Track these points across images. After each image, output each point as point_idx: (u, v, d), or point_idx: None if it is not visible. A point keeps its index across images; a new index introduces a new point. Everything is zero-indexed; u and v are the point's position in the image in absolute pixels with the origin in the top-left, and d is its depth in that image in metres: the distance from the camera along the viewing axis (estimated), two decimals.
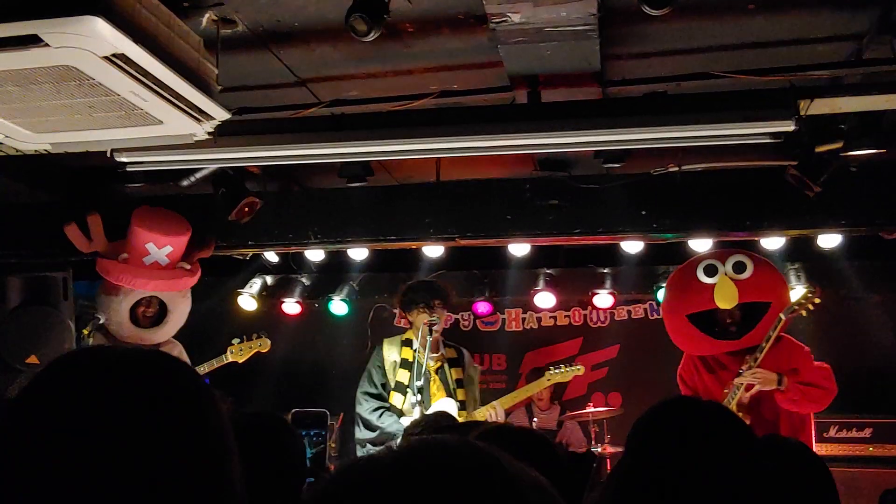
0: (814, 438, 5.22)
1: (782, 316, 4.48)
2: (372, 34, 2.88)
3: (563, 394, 6.96)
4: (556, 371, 5.59)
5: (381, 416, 4.96)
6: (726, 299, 4.57)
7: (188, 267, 4.97)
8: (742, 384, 4.48)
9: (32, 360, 5.14)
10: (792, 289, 5.45)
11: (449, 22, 3.23)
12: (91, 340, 4.63)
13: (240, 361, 5.54)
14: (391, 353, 5.13)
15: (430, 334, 4.80)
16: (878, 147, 3.71)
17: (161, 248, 4.80)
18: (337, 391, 6.52)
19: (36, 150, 3.27)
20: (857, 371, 6.09)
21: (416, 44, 3.42)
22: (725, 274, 4.62)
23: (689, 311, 4.74)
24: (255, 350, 5.57)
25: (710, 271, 4.67)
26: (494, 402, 5.23)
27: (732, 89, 3.49)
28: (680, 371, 4.94)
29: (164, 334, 5.16)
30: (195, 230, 4.98)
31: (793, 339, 4.71)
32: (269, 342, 5.64)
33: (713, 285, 4.61)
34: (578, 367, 5.65)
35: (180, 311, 5.16)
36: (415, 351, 4.99)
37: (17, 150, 3.28)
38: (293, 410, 3.42)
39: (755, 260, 4.71)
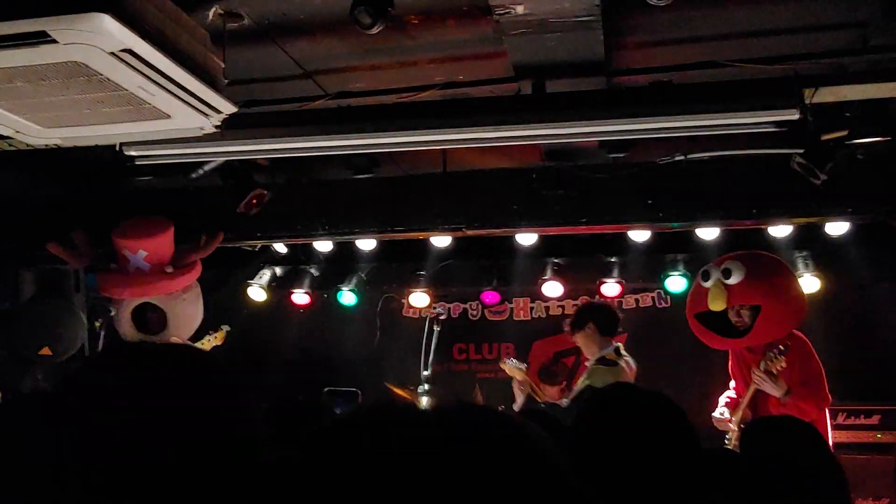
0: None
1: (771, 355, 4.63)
2: (377, 27, 2.91)
3: (573, 381, 6.96)
4: None
5: None
6: (715, 302, 4.84)
7: (170, 270, 4.75)
8: (755, 384, 4.73)
9: (45, 351, 5.21)
10: (800, 276, 5.56)
11: (453, 13, 3.24)
12: (103, 333, 4.65)
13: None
14: None
15: None
16: (884, 135, 3.71)
17: (135, 253, 4.64)
18: (346, 381, 6.57)
19: (46, 145, 3.31)
20: (864, 358, 6.09)
21: (421, 35, 3.43)
22: (718, 279, 4.85)
23: (695, 312, 5.06)
24: (214, 342, 5.58)
25: (705, 276, 4.97)
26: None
27: (737, 78, 3.49)
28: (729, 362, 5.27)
29: (165, 339, 4.89)
30: (199, 227, 4.91)
31: (813, 352, 4.79)
32: (223, 333, 5.67)
33: (707, 289, 4.89)
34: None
35: (180, 316, 4.94)
36: None
37: (28, 145, 3.32)
38: (326, 389, 3.46)
39: (748, 266, 4.83)
